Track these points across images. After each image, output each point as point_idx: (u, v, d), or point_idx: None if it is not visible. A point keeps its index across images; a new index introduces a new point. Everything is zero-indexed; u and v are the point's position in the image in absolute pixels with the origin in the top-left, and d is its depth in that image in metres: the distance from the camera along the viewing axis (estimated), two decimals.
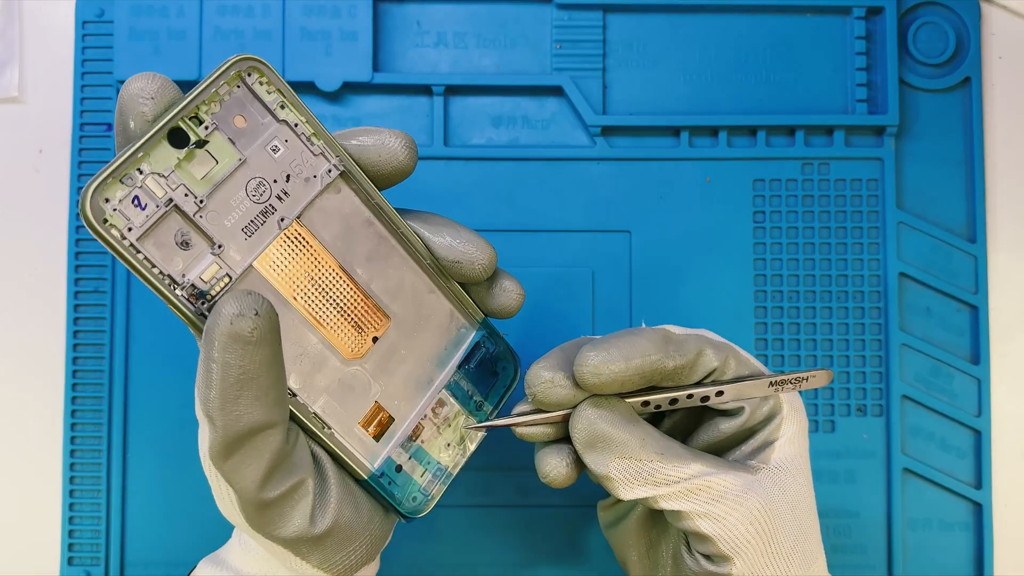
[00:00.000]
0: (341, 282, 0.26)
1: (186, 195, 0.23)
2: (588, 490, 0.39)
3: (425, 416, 0.28)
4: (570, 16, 0.40)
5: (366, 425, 0.27)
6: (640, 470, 0.26)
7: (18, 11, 0.41)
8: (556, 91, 0.40)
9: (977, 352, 0.40)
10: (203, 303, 0.24)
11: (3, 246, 0.40)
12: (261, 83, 0.24)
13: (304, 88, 0.40)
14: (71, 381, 0.39)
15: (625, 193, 0.40)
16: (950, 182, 0.40)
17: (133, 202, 0.22)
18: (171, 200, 0.23)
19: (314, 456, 0.26)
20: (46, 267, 0.40)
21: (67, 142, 0.40)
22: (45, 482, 0.39)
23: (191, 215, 0.23)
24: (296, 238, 0.25)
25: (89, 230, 0.22)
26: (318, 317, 0.26)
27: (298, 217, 0.25)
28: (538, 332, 0.39)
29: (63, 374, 0.39)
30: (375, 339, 0.27)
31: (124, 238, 0.22)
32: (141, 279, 0.23)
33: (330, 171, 0.26)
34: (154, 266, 0.23)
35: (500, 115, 0.40)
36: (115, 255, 0.22)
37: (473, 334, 0.29)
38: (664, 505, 0.27)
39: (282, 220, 0.25)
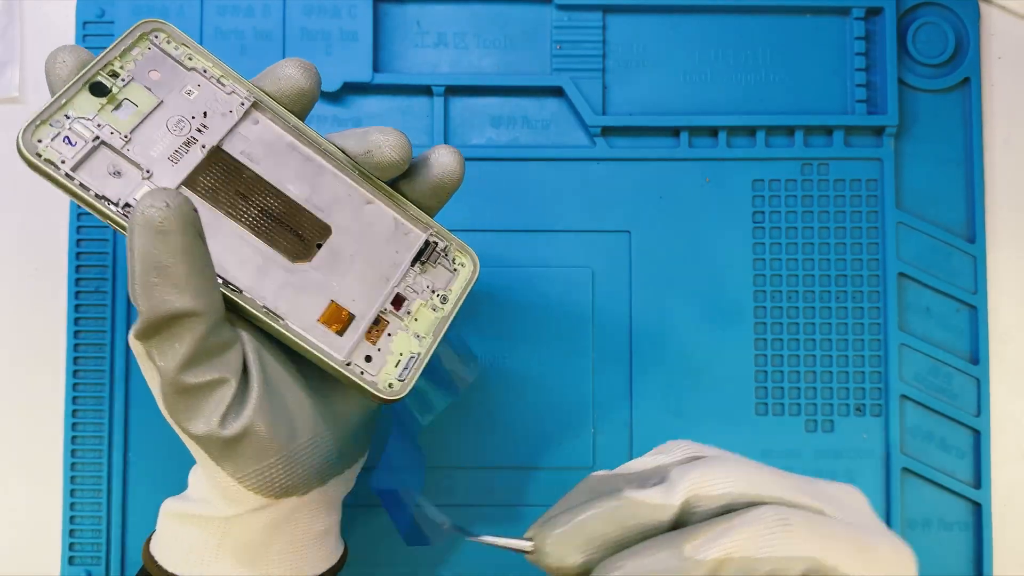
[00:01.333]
0: (273, 198, 0.29)
1: (112, 133, 0.27)
2: None
3: (387, 310, 0.30)
4: (570, 17, 0.40)
5: (327, 322, 0.29)
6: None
7: (19, 11, 0.41)
8: (556, 91, 0.40)
9: (976, 352, 0.40)
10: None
11: (3, 245, 0.40)
12: (168, 41, 0.29)
13: None
14: (72, 380, 0.39)
15: (625, 193, 0.40)
16: (949, 182, 0.41)
17: (64, 141, 0.27)
18: (98, 137, 0.27)
19: (246, 366, 0.27)
20: (47, 267, 0.40)
21: None
22: (46, 481, 0.39)
23: (119, 148, 0.27)
24: (222, 163, 0.29)
25: (26, 165, 0.26)
26: (254, 227, 0.29)
27: (219, 144, 0.29)
28: (538, 332, 0.39)
29: (64, 373, 0.39)
30: (319, 245, 0.29)
31: (59, 168, 0.26)
32: (81, 203, 0.26)
33: (242, 103, 0.29)
34: (89, 189, 0.27)
35: (500, 115, 0.40)
36: (53, 184, 0.26)
37: (424, 234, 0.31)
38: None
39: (203, 147, 0.28)
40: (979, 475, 0.39)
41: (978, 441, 0.40)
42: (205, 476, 0.28)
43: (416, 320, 0.30)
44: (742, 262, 0.40)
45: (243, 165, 0.29)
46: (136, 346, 0.26)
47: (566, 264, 0.40)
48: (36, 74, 0.41)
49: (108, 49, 0.28)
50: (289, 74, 0.29)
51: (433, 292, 0.31)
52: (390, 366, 0.29)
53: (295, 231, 0.29)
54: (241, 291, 0.28)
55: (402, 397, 0.29)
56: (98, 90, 0.27)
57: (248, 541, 0.29)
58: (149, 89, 0.28)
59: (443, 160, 0.30)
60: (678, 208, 0.40)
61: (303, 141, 0.30)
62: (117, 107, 0.28)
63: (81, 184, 0.26)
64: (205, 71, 0.29)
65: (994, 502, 0.40)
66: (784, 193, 0.40)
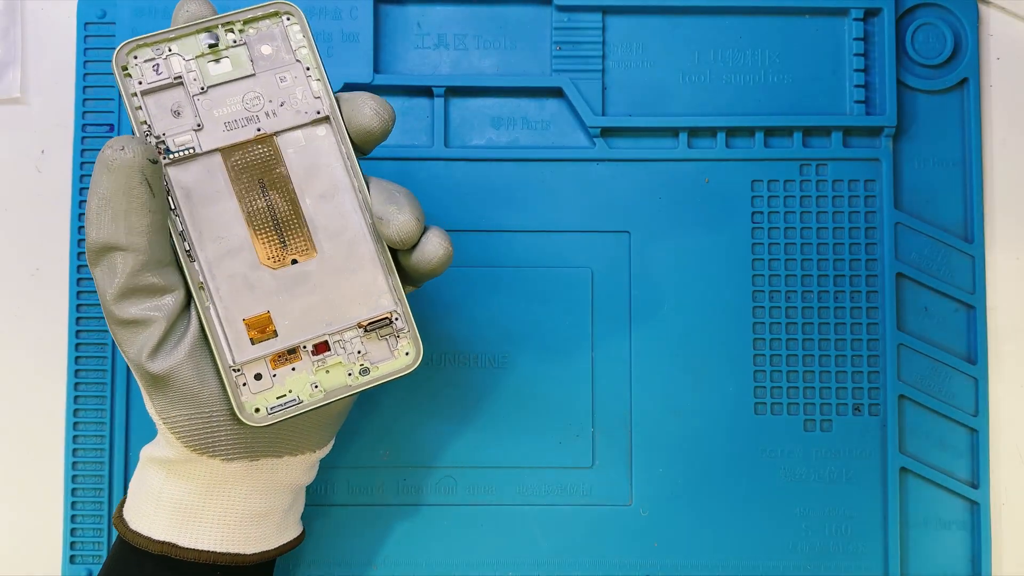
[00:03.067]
0: (286, 201, 0.30)
1: (195, 79, 0.29)
2: (588, 491, 0.40)
3: (305, 348, 0.30)
4: (570, 18, 0.40)
5: (250, 325, 0.29)
6: None
7: (20, 12, 0.41)
8: (556, 92, 0.40)
9: (975, 352, 0.40)
10: (162, 157, 0.29)
11: (5, 246, 0.40)
12: (295, 25, 0.30)
13: None
14: (73, 380, 0.39)
15: (624, 193, 0.40)
16: (948, 183, 0.41)
17: (153, 67, 0.29)
18: (180, 76, 0.29)
19: (191, 319, 0.29)
20: (48, 267, 0.40)
21: (69, 143, 0.40)
22: (47, 480, 0.40)
23: (191, 94, 0.29)
24: (265, 150, 0.30)
25: (113, 70, 0.29)
26: (251, 216, 0.30)
27: (275, 134, 0.30)
28: (537, 332, 0.40)
29: (65, 373, 0.40)
30: (294, 261, 0.30)
31: (133, 88, 0.29)
32: (131, 122, 0.29)
33: (318, 112, 0.30)
34: (143, 113, 0.29)
35: (500, 116, 0.41)
36: (122, 95, 0.29)
37: (387, 306, 0.30)
38: None
39: (259, 129, 0.30)
40: (977, 475, 0.40)
41: (976, 441, 0.40)
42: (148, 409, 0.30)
43: (327, 373, 0.30)
44: (741, 262, 0.40)
45: (281, 161, 0.30)
46: (90, 269, 0.29)
47: (566, 264, 0.40)
48: (37, 74, 0.41)
49: (240, 10, 0.29)
50: (364, 111, 0.30)
51: (361, 359, 0.30)
52: (271, 395, 0.29)
53: (283, 238, 0.30)
54: (192, 260, 0.29)
55: (259, 427, 0.29)
56: (209, 38, 0.29)
57: (181, 499, 0.30)
58: (252, 60, 0.30)
59: (430, 247, 0.30)
60: (678, 208, 0.40)
61: (346, 170, 0.30)
62: (216, 61, 0.29)
63: (140, 108, 0.29)
64: (308, 69, 0.30)
65: (992, 502, 0.40)
66: (783, 193, 0.40)
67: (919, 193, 0.41)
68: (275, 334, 0.30)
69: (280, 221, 0.30)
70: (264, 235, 0.30)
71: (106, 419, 0.39)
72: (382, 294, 0.30)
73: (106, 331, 0.39)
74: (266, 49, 0.30)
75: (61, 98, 0.40)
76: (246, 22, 0.30)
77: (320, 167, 0.30)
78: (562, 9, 0.40)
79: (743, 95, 0.41)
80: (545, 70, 0.41)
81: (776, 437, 0.40)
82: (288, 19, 0.30)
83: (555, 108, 0.41)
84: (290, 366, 0.30)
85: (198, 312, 0.29)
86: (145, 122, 0.29)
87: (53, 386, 0.40)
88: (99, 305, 0.39)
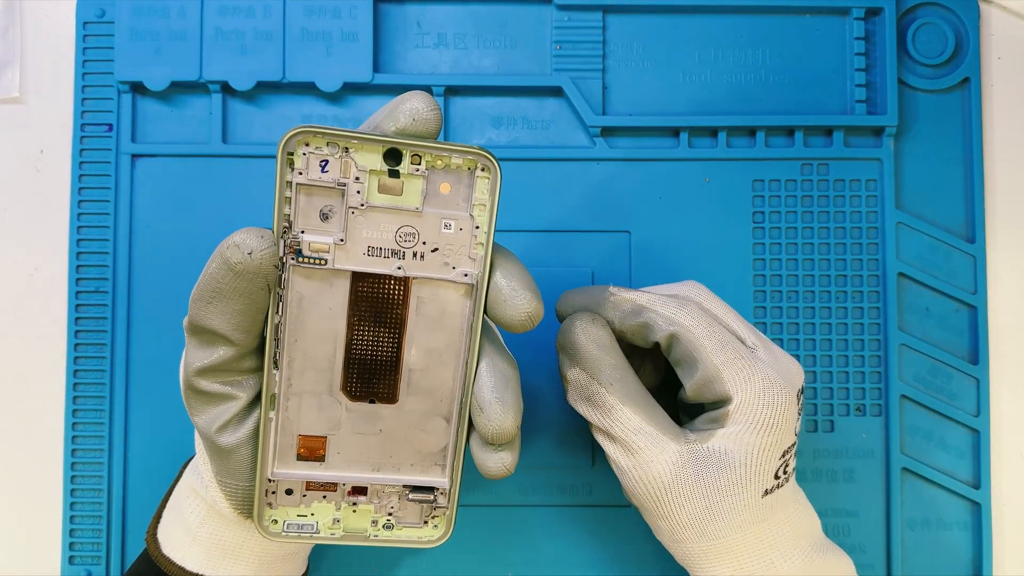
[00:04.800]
0: (391, 342, 0.28)
1: (358, 192, 0.26)
2: (588, 491, 0.40)
3: (345, 485, 0.29)
4: (570, 17, 0.40)
5: (302, 443, 0.29)
6: (588, 388, 0.31)
7: (19, 11, 0.41)
8: (556, 92, 0.40)
9: (976, 352, 0.40)
10: (291, 257, 0.27)
11: (4, 246, 0.40)
12: (485, 180, 0.27)
13: (304, 89, 0.40)
14: (72, 380, 0.39)
15: (625, 193, 0.40)
16: (949, 182, 0.41)
17: (320, 163, 0.26)
18: (344, 184, 0.26)
19: (261, 404, 0.28)
20: (47, 267, 0.40)
21: (68, 142, 0.40)
22: (46, 481, 0.39)
23: (347, 205, 0.26)
24: (396, 288, 0.27)
25: (278, 150, 0.25)
26: (351, 345, 0.28)
27: (410, 278, 0.27)
28: (537, 332, 0.39)
29: (64, 373, 0.40)
30: (372, 400, 0.29)
31: (291, 173, 0.26)
32: (275, 207, 0.26)
33: (466, 275, 0.27)
34: (290, 207, 0.26)
35: (500, 115, 0.40)
36: (277, 179, 0.25)
37: (438, 480, 0.30)
38: (594, 432, 0.32)
39: (399, 268, 0.27)
40: (978, 475, 0.40)
41: (977, 441, 0.40)
42: (199, 464, 0.31)
43: (352, 512, 0.30)
44: (742, 262, 0.40)
45: (405, 305, 0.28)
46: (185, 331, 0.29)
47: (566, 264, 0.40)
48: (36, 74, 0.41)
49: (436, 143, 0.26)
50: (514, 309, 0.27)
51: (389, 517, 0.30)
52: (293, 512, 0.29)
53: (372, 376, 0.28)
54: (276, 368, 0.28)
55: (266, 537, 0.29)
56: (392, 158, 0.26)
57: (220, 536, 0.31)
58: (424, 195, 0.27)
59: (491, 463, 0.29)
60: (678, 208, 0.40)
61: (464, 340, 0.28)
62: (388, 179, 0.26)
63: (289, 197, 0.26)
64: (477, 228, 0.27)
65: (993, 502, 0.40)
66: (784, 193, 0.40)
67: (920, 193, 0.40)
68: (322, 459, 0.29)
69: (377, 359, 0.28)
70: (356, 367, 0.28)
71: (105, 419, 0.39)
72: (439, 466, 0.30)
73: (105, 331, 0.39)
74: (444, 188, 0.27)
75: (60, 98, 0.40)
76: (438, 156, 0.26)
77: (441, 326, 0.28)
78: (562, 8, 0.40)
79: (744, 94, 0.40)
80: (545, 69, 0.40)
81: None
82: (482, 170, 0.27)
83: (555, 108, 0.41)
84: (323, 493, 0.29)
85: (261, 411, 0.28)
86: (288, 216, 0.26)
87: (52, 386, 0.40)
88: (98, 306, 0.39)
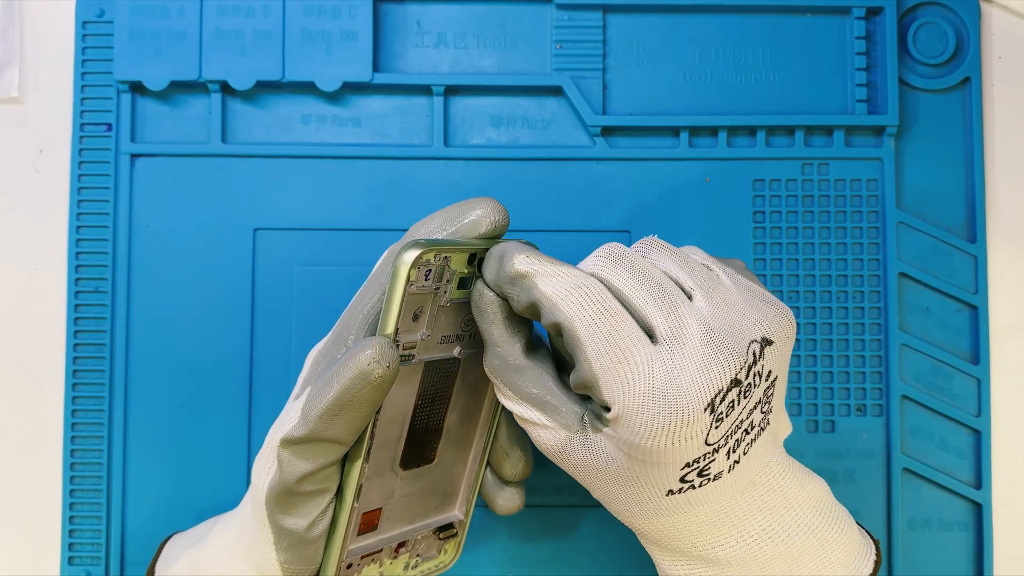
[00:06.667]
0: (440, 415, 0.31)
1: (445, 292, 0.29)
2: (586, 491, 0.40)
3: (390, 545, 0.32)
4: (570, 16, 0.40)
5: (364, 519, 0.30)
6: (501, 364, 0.29)
7: (18, 11, 0.41)
8: (556, 91, 0.40)
9: (977, 352, 0.40)
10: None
11: (3, 246, 0.40)
12: None
13: (304, 88, 0.40)
14: (71, 381, 0.39)
15: (625, 193, 0.40)
16: (950, 182, 0.41)
17: (425, 272, 0.28)
18: (437, 289, 0.28)
19: (344, 494, 0.29)
20: (46, 267, 0.40)
21: (67, 142, 0.40)
22: (45, 481, 0.39)
23: (437, 304, 0.29)
24: (452, 367, 0.31)
25: (402, 267, 0.27)
26: (414, 422, 0.30)
27: (465, 356, 0.31)
28: (537, 332, 0.39)
29: (63, 374, 0.39)
30: (417, 465, 0.31)
31: (405, 284, 0.27)
32: (389, 313, 0.27)
33: None
34: (401, 311, 0.28)
35: (500, 115, 0.40)
36: (397, 292, 0.27)
37: (457, 515, 0.33)
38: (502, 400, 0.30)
39: (459, 351, 0.30)
40: (979, 475, 0.39)
41: (978, 441, 0.40)
42: (252, 552, 0.30)
43: (391, 564, 0.32)
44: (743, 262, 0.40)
45: (455, 381, 0.31)
46: (275, 449, 0.28)
47: None
48: (36, 74, 0.41)
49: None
50: (507, 465, 0.33)
51: (417, 557, 0.32)
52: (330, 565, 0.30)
53: (422, 445, 0.31)
54: (367, 461, 0.29)
55: None
56: (471, 261, 0.29)
57: None
58: None
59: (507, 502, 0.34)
60: (678, 208, 0.40)
61: (491, 399, 0.32)
62: (467, 279, 0.29)
63: (399, 303, 0.27)
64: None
65: (994, 502, 0.39)
66: (784, 193, 0.40)
67: (921, 192, 0.40)
68: (375, 528, 0.31)
69: (429, 429, 0.31)
70: (412, 441, 0.30)
71: (104, 420, 0.39)
72: (459, 503, 0.33)
73: (104, 331, 0.39)
74: None
75: (59, 98, 0.40)
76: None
77: (476, 391, 0.32)
78: (562, 7, 0.40)
79: (744, 94, 0.40)
80: (545, 69, 0.40)
81: None
82: None
83: (555, 107, 0.40)
84: (372, 558, 0.31)
85: (340, 496, 0.29)
86: (397, 322, 0.27)
87: (51, 387, 0.40)
88: (98, 306, 0.39)
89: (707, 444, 0.26)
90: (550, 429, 0.28)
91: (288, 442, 0.28)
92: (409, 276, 0.27)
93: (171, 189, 0.40)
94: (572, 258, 0.40)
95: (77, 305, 0.39)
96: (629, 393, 0.26)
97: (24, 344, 0.40)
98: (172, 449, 0.39)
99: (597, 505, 0.39)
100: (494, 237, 0.29)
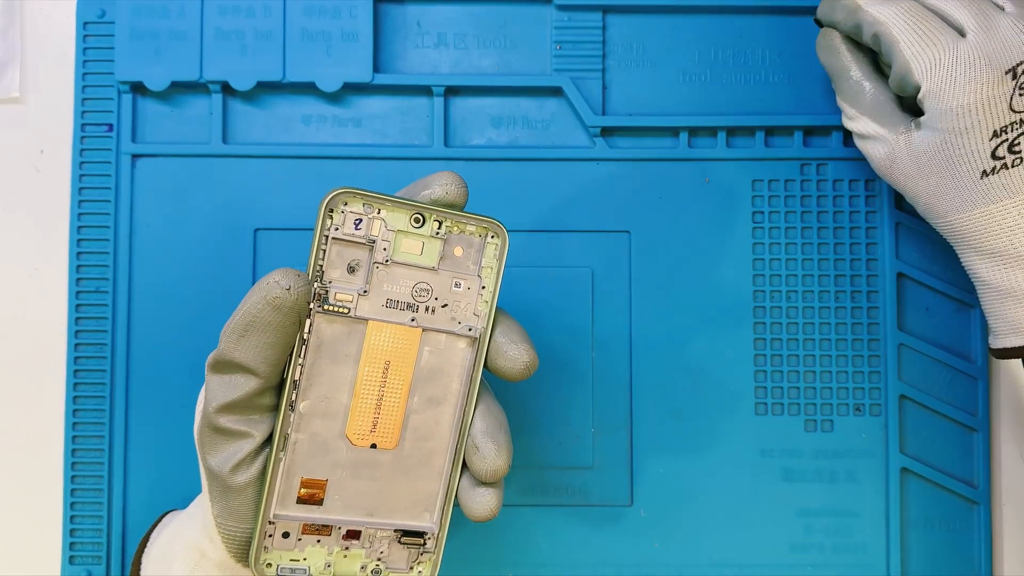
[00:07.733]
0: (397, 390, 0.30)
1: (384, 249, 0.29)
2: (588, 491, 0.40)
3: (340, 529, 0.30)
4: (570, 17, 0.40)
5: (304, 485, 0.30)
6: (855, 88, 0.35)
7: (19, 11, 0.41)
8: (556, 92, 0.40)
9: (976, 352, 0.40)
10: (317, 304, 0.29)
11: (4, 246, 0.40)
12: (494, 246, 0.30)
13: (304, 89, 0.40)
14: (72, 380, 0.39)
15: (625, 193, 0.40)
16: None
17: (355, 221, 0.28)
18: (373, 241, 0.29)
19: (272, 444, 0.29)
20: (47, 267, 0.40)
21: (68, 142, 0.40)
22: (46, 481, 0.40)
23: (373, 260, 0.29)
24: (407, 339, 0.30)
25: (320, 207, 0.28)
26: (361, 390, 0.30)
27: (423, 328, 0.30)
28: (537, 332, 0.39)
29: (64, 373, 0.40)
30: (374, 445, 0.30)
31: (328, 229, 0.28)
32: (310, 254, 0.28)
33: (470, 330, 0.30)
34: (323, 258, 0.29)
35: (500, 116, 0.40)
36: (316, 231, 0.28)
37: (428, 525, 0.31)
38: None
39: (413, 320, 0.30)
40: (979, 475, 0.40)
41: (978, 441, 0.40)
42: (200, 514, 0.31)
43: (344, 557, 0.31)
44: (742, 262, 0.40)
45: (414, 355, 0.30)
46: (207, 371, 0.29)
47: (566, 264, 0.40)
48: (36, 74, 0.41)
49: (457, 213, 0.29)
50: (509, 359, 0.30)
51: (378, 559, 0.31)
52: (287, 555, 0.30)
53: (376, 422, 0.30)
54: (292, 410, 0.29)
55: None
56: (417, 222, 0.29)
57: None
58: (440, 256, 0.30)
59: (479, 508, 0.31)
60: (678, 208, 0.40)
61: (463, 388, 0.31)
62: (412, 240, 0.29)
63: (322, 250, 0.28)
64: (483, 288, 0.30)
65: (993, 502, 0.40)
66: (783, 193, 0.40)
67: None
68: (320, 503, 0.30)
69: (383, 406, 0.30)
70: (362, 412, 0.30)
71: (105, 419, 0.39)
72: (430, 510, 0.31)
73: (105, 331, 0.39)
74: (458, 251, 0.30)
75: (60, 98, 0.40)
76: (457, 223, 0.30)
77: (443, 374, 0.31)
78: (562, 8, 0.40)
79: (744, 94, 0.41)
80: (545, 69, 0.40)
81: (776, 437, 0.39)
82: (492, 237, 0.30)
83: (555, 108, 0.41)
84: (317, 537, 0.30)
85: (270, 452, 0.29)
86: (320, 266, 0.29)
87: (52, 387, 0.40)
88: (98, 306, 0.39)
89: (1012, 111, 0.31)
90: (882, 140, 0.34)
91: (209, 367, 0.29)
92: (330, 218, 0.28)
93: (172, 189, 0.40)
94: (572, 258, 0.40)
95: (78, 305, 0.39)
96: (937, 64, 0.31)
97: (25, 344, 0.40)
98: (172, 449, 0.39)
99: (597, 505, 0.39)
100: (450, 205, 0.29)
